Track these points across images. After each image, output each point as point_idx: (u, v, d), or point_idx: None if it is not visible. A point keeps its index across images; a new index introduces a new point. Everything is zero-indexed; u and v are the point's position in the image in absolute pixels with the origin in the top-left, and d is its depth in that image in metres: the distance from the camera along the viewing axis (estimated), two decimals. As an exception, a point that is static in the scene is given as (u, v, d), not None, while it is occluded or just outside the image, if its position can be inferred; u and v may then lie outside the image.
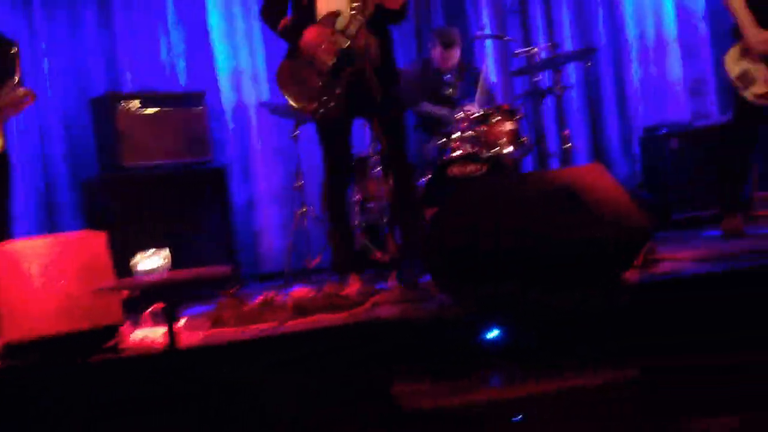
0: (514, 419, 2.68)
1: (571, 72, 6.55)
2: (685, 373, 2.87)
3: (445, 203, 3.72)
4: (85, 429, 2.84)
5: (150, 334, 3.41)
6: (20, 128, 5.49)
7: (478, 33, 6.23)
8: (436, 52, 5.64)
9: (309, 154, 5.83)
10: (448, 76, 5.67)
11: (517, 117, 5.24)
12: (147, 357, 3.01)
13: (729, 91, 4.66)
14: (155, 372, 2.87)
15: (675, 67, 6.68)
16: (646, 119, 6.53)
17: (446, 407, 2.72)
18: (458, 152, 5.09)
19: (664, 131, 5.97)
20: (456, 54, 5.66)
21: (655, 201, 5.79)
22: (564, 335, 3.02)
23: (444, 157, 5.12)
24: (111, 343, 3.17)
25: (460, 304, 3.31)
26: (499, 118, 5.16)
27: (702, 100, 6.65)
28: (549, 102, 6.21)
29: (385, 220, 5.04)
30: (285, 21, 3.91)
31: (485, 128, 5.15)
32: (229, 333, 3.37)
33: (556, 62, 5.58)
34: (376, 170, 5.08)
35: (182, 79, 6.06)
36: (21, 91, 4.01)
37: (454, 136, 5.18)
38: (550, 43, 6.08)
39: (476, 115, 5.19)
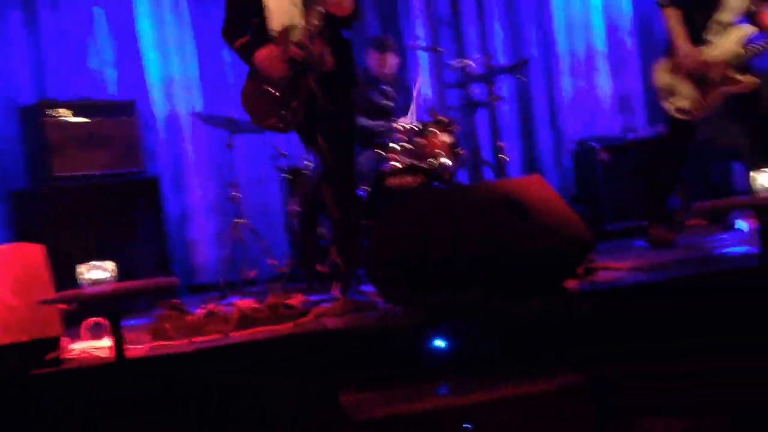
0: (464, 426, 2.71)
1: (504, 84, 6.62)
2: (630, 380, 2.94)
3: (384, 214, 3.73)
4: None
5: (90, 346, 3.36)
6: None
7: (412, 43, 6.27)
8: (373, 58, 5.62)
9: (244, 164, 5.78)
10: (386, 86, 5.68)
11: (453, 129, 5.29)
12: (94, 369, 2.94)
13: (658, 105, 4.80)
14: (105, 384, 2.81)
15: (604, 81, 6.85)
16: (577, 132, 6.66)
17: (397, 415, 2.73)
18: (396, 164, 5.11)
19: (594, 144, 6.11)
20: (393, 60, 5.65)
21: (585, 213, 5.91)
22: (514, 343, 3.06)
23: (382, 169, 5.13)
24: (52, 355, 3.09)
25: (404, 312, 3.33)
26: (436, 130, 5.20)
27: (630, 114, 6.83)
28: (482, 114, 6.29)
29: (325, 231, 5.02)
30: (242, 40, 3.90)
31: (422, 140, 5.18)
32: (174, 345, 3.31)
33: (489, 75, 5.65)
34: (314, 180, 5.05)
35: (112, 88, 5.94)
36: None
37: (391, 145, 5.20)
38: (483, 55, 6.10)
39: (413, 127, 5.23)
